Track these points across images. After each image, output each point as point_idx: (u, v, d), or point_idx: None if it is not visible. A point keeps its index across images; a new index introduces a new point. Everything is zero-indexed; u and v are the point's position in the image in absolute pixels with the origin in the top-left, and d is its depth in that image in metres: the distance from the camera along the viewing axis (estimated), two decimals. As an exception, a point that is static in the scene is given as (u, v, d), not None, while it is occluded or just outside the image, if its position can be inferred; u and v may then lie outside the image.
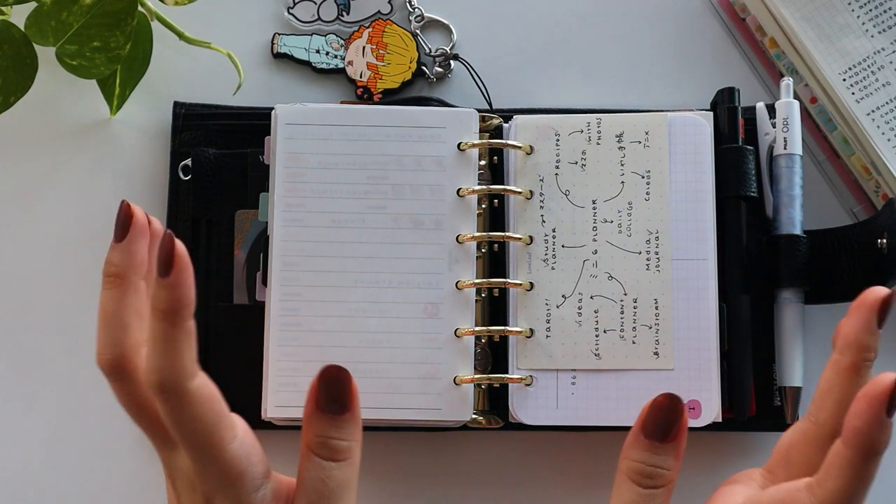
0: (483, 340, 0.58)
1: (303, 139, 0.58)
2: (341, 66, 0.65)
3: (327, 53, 0.65)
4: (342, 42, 0.66)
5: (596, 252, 0.59)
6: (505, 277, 0.59)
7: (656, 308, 0.58)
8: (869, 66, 0.61)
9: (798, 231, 0.59)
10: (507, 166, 0.60)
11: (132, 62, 0.62)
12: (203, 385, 0.43)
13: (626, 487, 0.43)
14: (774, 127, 0.60)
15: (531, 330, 0.58)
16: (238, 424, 0.45)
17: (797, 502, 0.42)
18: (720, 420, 0.57)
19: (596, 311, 0.58)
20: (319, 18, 0.66)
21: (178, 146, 0.62)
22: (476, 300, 0.58)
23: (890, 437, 0.40)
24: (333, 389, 0.44)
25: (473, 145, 0.59)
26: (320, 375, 0.44)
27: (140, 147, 0.64)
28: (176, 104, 0.63)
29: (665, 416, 0.43)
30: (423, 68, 0.65)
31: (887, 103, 0.61)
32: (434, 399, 0.57)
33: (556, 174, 0.59)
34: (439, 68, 0.65)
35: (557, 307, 0.58)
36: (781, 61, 0.64)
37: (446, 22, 0.66)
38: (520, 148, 0.60)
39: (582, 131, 0.60)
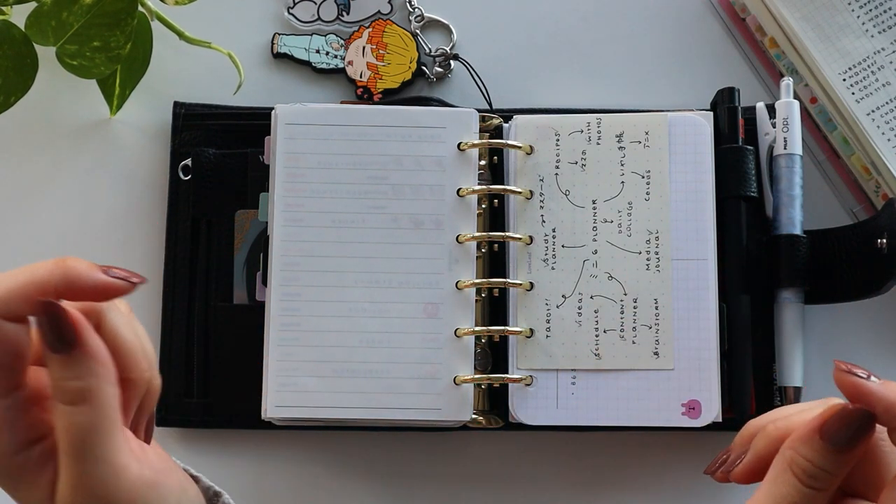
0: (483, 340, 0.58)
1: (303, 139, 0.58)
2: (341, 66, 0.65)
3: (327, 53, 0.65)
4: (342, 42, 0.66)
5: (596, 252, 0.59)
6: (505, 277, 0.59)
7: (656, 308, 0.58)
8: (869, 66, 0.61)
9: (798, 231, 0.59)
10: (507, 166, 0.60)
11: (132, 62, 0.62)
12: None
13: (785, 479, 0.41)
14: (774, 127, 0.60)
15: (531, 330, 0.58)
16: None
17: None
18: (720, 420, 0.57)
19: (596, 311, 0.58)
20: (319, 18, 0.66)
21: (178, 146, 0.62)
22: (476, 300, 0.58)
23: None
24: (55, 327, 0.38)
25: (473, 145, 0.58)
26: (39, 313, 0.38)
27: (140, 147, 0.64)
28: (176, 104, 0.63)
29: (855, 428, 0.40)
30: (423, 68, 0.65)
31: (887, 103, 0.61)
32: (434, 399, 0.57)
33: (556, 174, 0.59)
34: (439, 68, 0.65)
35: (557, 307, 0.58)
36: (781, 61, 0.64)
37: (446, 22, 0.66)
38: (520, 148, 0.60)
39: (582, 131, 0.60)
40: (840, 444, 0.40)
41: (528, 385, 0.58)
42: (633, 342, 0.58)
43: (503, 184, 0.60)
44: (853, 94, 0.61)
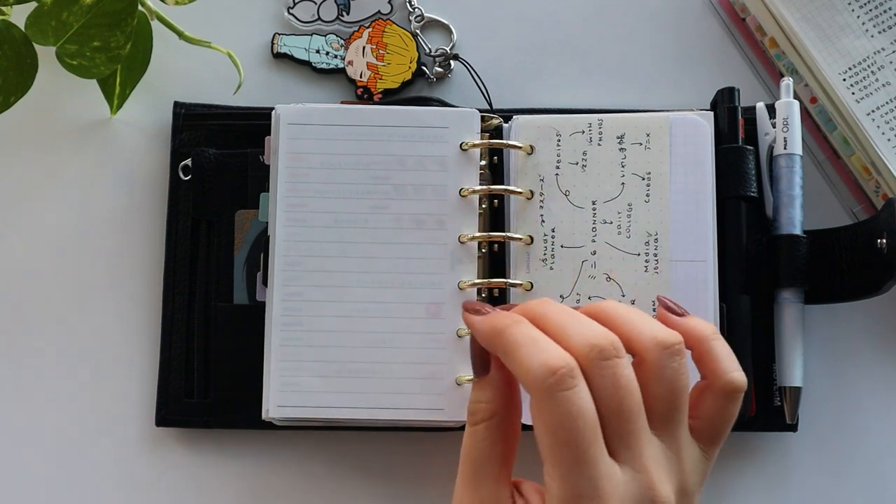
0: (483, 340, 0.58)
1: (305, 139, 0.58)
2: (341, 66, 0.65)
3: (327, 53, 0.65)
4: (342, 42, 0.66)
5: (595, 253, 0.59)
6: (504, 277, 0.59)
7: (654, 310, 0.58)
8: (869, 66, 0.61)
9: (798, 231, 0.59)
10: (507, 166, 0.60)
11: (132, 62, 0.62)
12: None
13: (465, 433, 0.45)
14: (774, 127, 0.60)
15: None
16: None
17: None
18: (720, 420, 0.57)
19: (595, 312, 0.58)
20: (319, 18, 0.66)
21: (178, 146, 0.62)
22: (476, 300, 0.58)
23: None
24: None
25: (476, 145, 0.59)
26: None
27: (140, 147, 0.64)
28: (176, 104, 0.63)
29: (473, 352, 0.46)
30: (423, 68, 0.65)
31: (887, 103, 0.61)
32: (436, 399, 0.57)
33: (557, 174, 0.59)
34: (439, 68, 0.65)
35: (557, 307, 0.58)
36: (781, 61, 0.64)
37: (446, 22, 0.66)
38: (520, 148, 0.60)
39: (583, 132, 0.60)
40: (476, 370, 0.45)
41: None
42: (633, 342, 0.58)
43: (503, 184, 0.60)
44: (853, 94, 0.61)
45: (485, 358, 0.45)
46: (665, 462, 0.42)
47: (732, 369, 0.44)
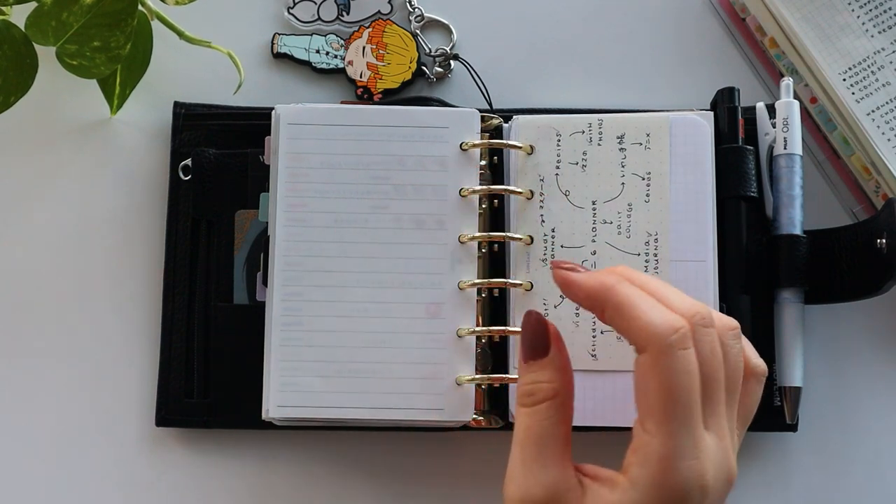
0: (483, 340, 0.58)
1: (305, 139, 0.58)
2: (341, 66, 0.65)
3: (327, 53, 0.65)
4: (342, 42, 0.66)
5: (595, 253, 0.59)
6: (504, 277, 0.59)
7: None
8: (869, 66, 0.61)
9: (798, 231, 0.59)
10: (507, 166, 0.60)
11: (132, 62, 0.62)
12: None
13: (518, 415, 0.45)
14: (774, 127, 0.60)
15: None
16: None
17: None
18: (720, 420, 0.57)
19: (595, 312, 0.58)
20: (319, 18, 0.66)
21: (178, 146, 0.62)
22: (476, 300, 0.58)
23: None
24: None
25: (476, 145, 0.59)
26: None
27: (140, 147, 0.64)
28: (176, 104, 0.63)
29: (533, 330, 0.46)
30: (423, 68, 0.65)
31: (887, 103, 0.61)
32: (436, 399, 0.57)
33: (557, 174, 0.59)
34: (439, 68, 0.65)
35: (555, 307, 0.58)
36: (781, 61, 0.64)
37: (446, 22, 0.66)
38: (520, 148, 0.60)
39: (583, 132, 0.60)
40: (536, 352, 0.46)
41: (529, 385, 0.58)
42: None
43: (503, 184, 0.60)
44: (853, 94, 0.61)
45: (545, 338, 0.46)
46: (731, 439, 0.43)
47: (758, 356, 0.47)
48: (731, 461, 0.43)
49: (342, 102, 0.64)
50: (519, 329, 0.58)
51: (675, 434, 0.41)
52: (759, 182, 0.60)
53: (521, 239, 0.59)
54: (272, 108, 0.59)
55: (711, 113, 0.60)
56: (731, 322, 0.45)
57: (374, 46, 0.65)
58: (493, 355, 0.59)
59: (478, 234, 0.58)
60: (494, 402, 0.59)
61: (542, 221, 0.59)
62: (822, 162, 0.64)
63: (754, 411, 0.47)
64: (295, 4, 0.66)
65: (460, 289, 0.57)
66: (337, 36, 0.66)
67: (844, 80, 0.61)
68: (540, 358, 0.46)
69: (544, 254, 0.59)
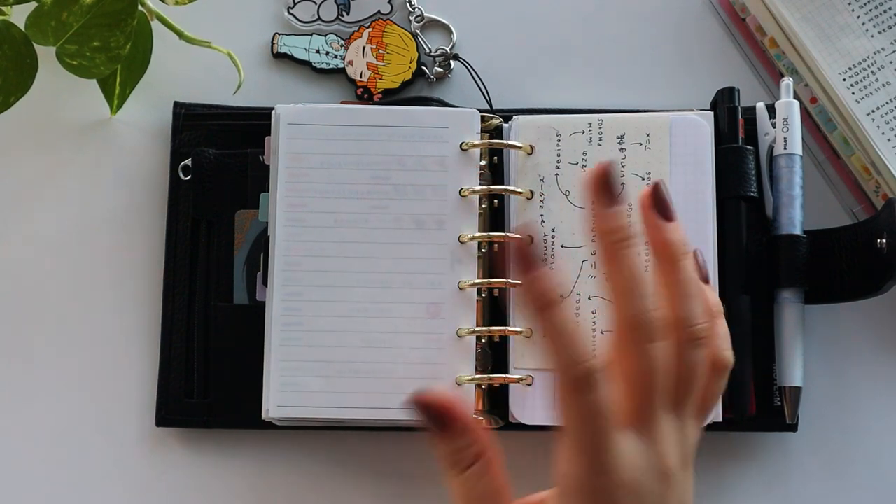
0: (483, 340, 0.58)
1: (305, 139, 0.58)
2: (341, 66, 0.65)
3: (327, 53, 0.65)
4: (342, 42, 0.66)
5: (595, 253, 0.59)
6: (504, 277, 0.59)
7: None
8: (869, 66, 0.61)
9: (798, 231, 0.59)
10: (507, 166, 0.60)
11: (132, 62, 0.62)
12: None
13: (451, 488, 0.44)
14: (774, 127, 0.60)
15: (531, 329, 0.58)
16: None
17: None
18: (720, 420, 0.57)
19: (594, 312, 0.58)
20: (319, 18, 0.66)
21: (178, 146, 0.62)
22: (476, 300, 0.58)
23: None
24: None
25: (476, 145, 0.59)
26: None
27: (140, 147, 0.64)
28: (176, 104, 0.63)
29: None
30: (423, 68, 0.65)
31: (887, 103, 0.61)
32: (436, 399, 0.57)
33: (557, 174, 0.59)
34: (439, 68, 0.65)
35: (556, 307, 0.58)
36: (781, 61, 0.64)
37: (446, 22, 0.66)
38: (520, 148, 0.60)
39: (583, 132, 0.60)
40: (444, 427, 0.43)
41: (529, 385, 0.58)
42: (632, 342, 0.58)
43: (503, 184, 0.60)
44: (853, 94, 0.61)
45: (449, 410, 0.44)
46: (675, 435, 0.43)
47: (725, 348, 0.46)
48: (665, 460, 0.42)
49: (342, 102, 0.64)
50: (519, 330, 0.58)
51: (579, 458, 0.41)
52: (759, 182, 0.60)
53: (521, 239, 0.59)
54: (272, 108, 0.59)
55: (711, 113, 0.60)
56: (699, 331, 0.44)
57: (374, 46, 0.65)
58: (493, 355, 0.59)
59: (478, 234, 0.58)
60: (494, 402, 0.59)
61: (543, 221, 0.59)
62: (822, 162, 0.64)
63: (714, 402, 0.46)
64: (295, 4, 0.66)
65: (460, 289, 0.57)
66: (337, 36, 0.66)
67: (844, 80, 0.61)
68: (449, 428, 0.44)
69: (545, 254, 0.59)
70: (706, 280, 0.48)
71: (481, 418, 0.44)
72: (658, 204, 0.45)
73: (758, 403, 0.59)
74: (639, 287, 0.42)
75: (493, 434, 0.44)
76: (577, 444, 0.41)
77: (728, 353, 0.46)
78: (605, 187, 0.43)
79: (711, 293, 0.47)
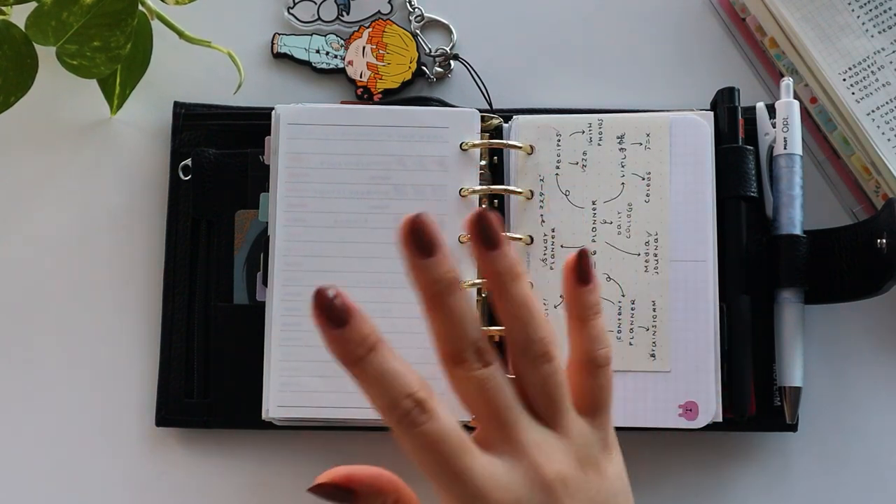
0: (483, 340, 0.58)
1: (305, 139, 0.58)
2: (341, 66, 0.65)
3: (327, 53, 0.65)
4: (342, 42, 0.66)
5: (595, 253, 0.59)
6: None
7: (654, 310, 0.58)
8: (869, 66, 0.61)
9: (798, 231, 0.59)
10: (507, 166, 0.60)
11: (132, 62, 0.62)
12: None
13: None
14: (774, 127, 0.60)
15: (531, 330, 0.58)
16: None
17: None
18: (720, 420, 0.57)
19: (594, 312, 0.58)
20: (319, 18, 0.66)
21: (178, 146, 0.62)
22: (476, 300, 0.58)
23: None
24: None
25: (476, 145, 0.59)
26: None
27: (140, 147, 0.64)
28: (176, 104, 0.63)
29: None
30: (423, 68, 0.65)
31: (887, 103, 0.61)
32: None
33: (557, 174, 0.59)
34: (439, 68, 0.65)
35: (555, 307, 0.58)
36: (781, 61, 0.64)
37: (446, 22, 0.66)
38: (520, 148, 0.60)
39: (583, 132, 0.60)
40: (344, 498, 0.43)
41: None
42: (630, 344, 0.58)
43: (503, 184, 0.60)
44: (853, 94, 0.61)
45: (347, 481, 0.44)
46: (551, 443, 0.42)
47: (599, 348, 0.45)
48: (543, 470, 0.41)
49: (342, 102, 0.64)
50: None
51: (445, 494, 0.41)
52: (759, 182, 0.60)
53: (521, 239, 0.59)
54: (272, 108, 0.59)
55: (711, 113, 0.60)
56: (541, 347, 0.42)
57: (374, 46, 0.65)
58: (492, 355, 0.59)
59: (478, 234, 0.58)
60: (494, 402, 0.59)
61: (542, 221, 0.59)
62: (822, 162, 0.64)
63: (602, 397, 0.45)
64: (295, 4, 0.66)
65: (460, 289, 0.57)
66: (337, 36, 0.66)
67: (844, 80, 0.61)
68: (351, 500, 0.44)
69: (544, 254, 0.59)
70: (584, 282, 0.46)
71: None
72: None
73: (758, 403, 0.59)
74: (458, 327, 0.42)
75: (398, 481, 0.44)
76: (435, 478, 0.40)
77: (602, 352, 0.45)
78: (415, 239, 0.41)
79: (590, 295, 0.45)
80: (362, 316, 0.41)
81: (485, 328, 0.58)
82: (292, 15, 0.66)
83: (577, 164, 0.59)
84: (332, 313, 0.40)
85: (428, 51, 0.66)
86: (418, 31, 0.66)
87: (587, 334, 0.45)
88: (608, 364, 0.45)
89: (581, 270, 0.44)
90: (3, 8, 0.59)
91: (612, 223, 0.59)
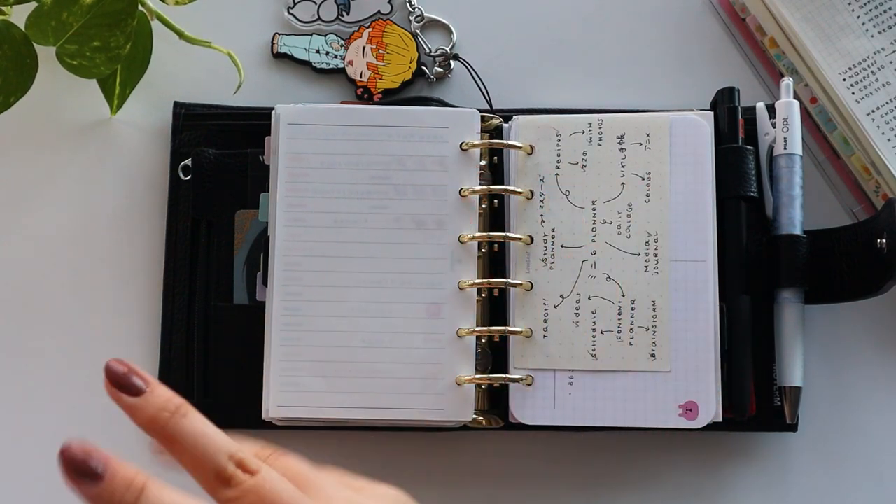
0: (483, 340, 0.58)
1: (305, 139, 0.58)
2: (341, 66, 0.65)
3: (327, 53, 0.65)
4: (342, 42, 0.66)
5: (595, 253, 0.59)
6: (504, 277, 0.59)
7: (654, 310, 0.58)
8: (869, 66, 0.61)
9: (798, 231, 0.59)
10: (507, 166, 0.60)
11: (132, 62, 0.62)
12: None
13: None
14: (774, 127, 0.60)
15: (530, 330, 0.58)
16: None
17: None
18: (720, 420, 0.57)
19: (594, 312, 0.58)
20: (319, 18, 0.66)
21: (178, 146, 0.62)
22: (476, 300, 0.58)
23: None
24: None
25: (476, 145, 0.59)
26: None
27: (140, 147, 0.64)
28: (176, 104, 0.63)
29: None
30: (423, 68, 0.65)
31: (887, 103, 0.61)
32: (436, 399, 0.57)
33: (557, 174, 0.59)
34: (439, 68, 0.65)
35: (555, 307, 0.58)
36: (781, 61, 0.64)
37: (446, 22, 0.66)
38: (520, 148, 0.60)
39: (583, 132, 0.60)
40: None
41: (529, 385, 0.58)
42: (630, 343, 0.58)
43: (503, 183, 0.60)
44: (853, 94, 0.61)
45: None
46: None
47: (216, 452, 0.40)
48: None
49: (342, 102, 0.64)
50: (519, 330, 0.58)
51: None
52: (759, 182, 0.60)
53: (520, 239, 0.59)
54: (272, 108, 0.59)
55: (711, 113, 0.60)
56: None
57: (374, 46, 0.65)
58: (493, 355, 0.59)
59: (478, 234, 0.58)
60: (494, 402, 0.59)
61: (542, 221, 0.59)
62: (822, 162, 0.64)
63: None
64: (295, 4, 0.66)
65: (460, 289, 0.57)
66: (337, 36, 0.66)
67: (844, 80, 0.61)
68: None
69: (544, 254, 0.59)
70: (136, 391, 0.43)
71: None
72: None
73: (758, 403, 0.59)
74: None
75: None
76: None
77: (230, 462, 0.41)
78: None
79: (158, 397, 0.42)
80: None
81: (485, 328, 0.58)
82: (292, 15, 0.66)
83: (577, 164, 0.59)
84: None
85: (428, 51, 0.66)
86: (418, 31, 0.66)
87: (192, 442, 0.41)
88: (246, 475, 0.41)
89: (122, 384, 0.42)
90: (3, 8, 0.59)
91: (612, 223, 0.59)
